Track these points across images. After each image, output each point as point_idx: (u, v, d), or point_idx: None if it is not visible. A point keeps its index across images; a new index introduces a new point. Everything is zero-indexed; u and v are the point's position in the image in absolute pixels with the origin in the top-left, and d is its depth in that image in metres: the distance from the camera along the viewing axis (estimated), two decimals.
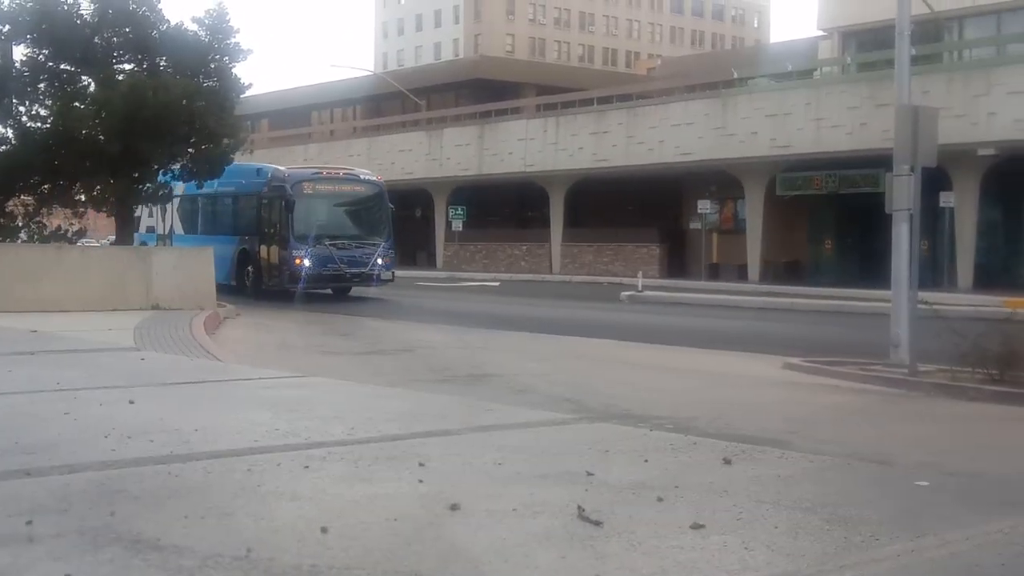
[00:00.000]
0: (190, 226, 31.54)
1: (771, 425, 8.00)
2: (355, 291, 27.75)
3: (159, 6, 24.45)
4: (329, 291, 27.37)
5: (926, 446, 7.51)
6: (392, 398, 7.61)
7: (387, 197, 27.69)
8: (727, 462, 4.87)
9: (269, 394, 7.41)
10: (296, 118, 71.68)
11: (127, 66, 24.63)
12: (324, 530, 3.61)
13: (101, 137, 22.81)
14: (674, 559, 3.42)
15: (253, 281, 26.91)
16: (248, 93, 27.22)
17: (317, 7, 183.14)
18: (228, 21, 24.68)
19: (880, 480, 4.77)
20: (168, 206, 30.98)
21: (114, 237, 27.06)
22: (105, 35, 24.06)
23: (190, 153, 24.63)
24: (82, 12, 23.75)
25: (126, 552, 3.38)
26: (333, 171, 28.42)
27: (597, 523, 3.76)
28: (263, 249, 26.55)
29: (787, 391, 10.86)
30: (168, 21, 24.62)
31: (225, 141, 24.78)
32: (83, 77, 24.33)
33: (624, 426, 6.48)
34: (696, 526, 3.72)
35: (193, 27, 24.42)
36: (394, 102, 65.46)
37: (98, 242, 37.41)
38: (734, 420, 8.14)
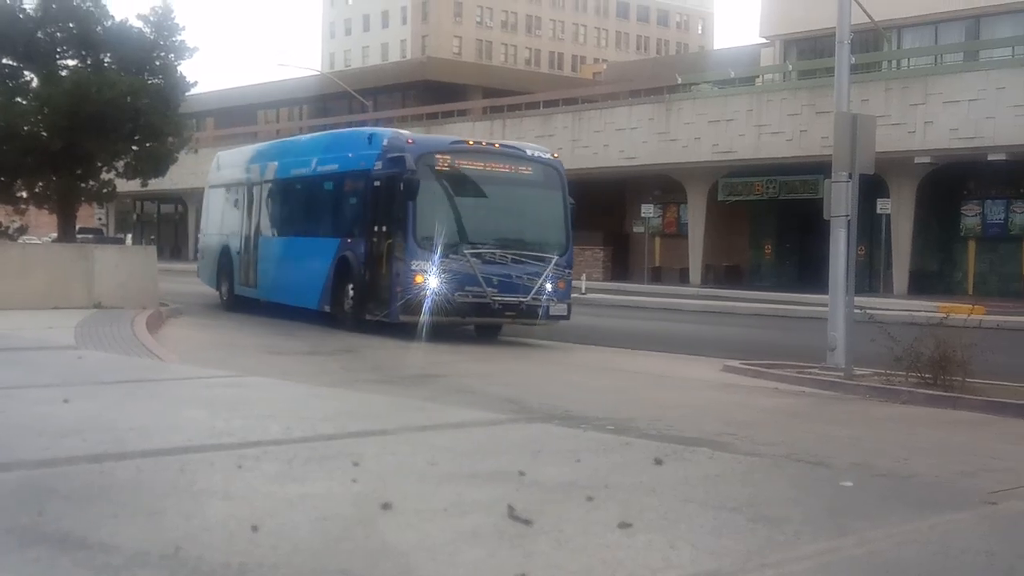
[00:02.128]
0: (270, 223, 22.24)
1: (709, 427, 8.12)
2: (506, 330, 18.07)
3: (103, 2, 24.21)
4: (471, 327, 17.97)
5: (858, 447, 7.65)
6: (330, 398, 7.62)
7: (567, 187, 18.06)
8: (658, 462, 4.93)
9: (207, 393, 7.39)
10: (242, 117, 71.29)
11: (71, 62, 24.37)
12: (255, 529, 3.63)
13: (44, 133, 22.56)
14: (600, 557, 3.47)
15: (353, 307, 17.47)
16: (193, 91, 27.03)
17: (264, 6, 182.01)
18: (173, 18, 24.51)
19: (806, 480, 4.87)
20: (238, 193, 23.65)
21: (55, 234, 26.67)
22: (48, 30, 23.78)
23: (134, 151, 24.42)
24: (25, 6, 23.48)
25: (53, 551, 3.37)
26: (484, 143, 18.58)
27: (526, 522, 3.81)
28: (369, 258, 17.22)
29: (726, 393, 10.99)
30: (113, 17, 24.40)
31: (169, 139, 24.61)
32: (26, 72, 24.04)
33: (559, 426, 6.55)
34: (624, 525, 3.78)
35: (138, 24, 24.22)
36: (341, 102, 65.31)
37: (40, 239, 36.87)
38: (673, 421, 8.25)
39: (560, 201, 17.58)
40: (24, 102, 22.55)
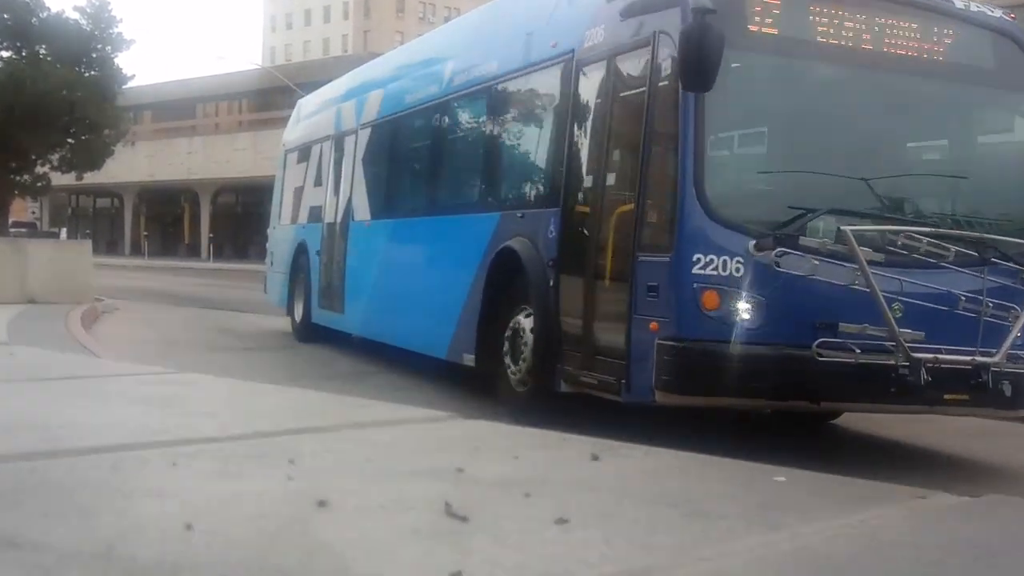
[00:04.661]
0: (366, 199, 14.29)
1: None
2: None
3: None
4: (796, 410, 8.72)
5: (789, 444, 7.77)
6: (268, 395, 7.58)
7: None
8: (595, 458, 4.97)
9: (142, 390, 7.31)
10: (180, 110, 70.61)
11: (5, 53, 24.09)
12: (188, 527, 3.60)
13: None
14: (537, 553, 3.49)
15: (530, 364, 9.29)
16: (131, 84, 26.79)
17: None
18: (110, 10, 24.31)
19: (740, 475, 4.93)
20: (320, 155, 16.04)
21: None
22: None
23: (69, 144, 24.14)
24: None
25: None
26: None
27: (463, 519, 3.82)
28: (568, 252, 8.98)
29: None
30: (49, 9, 24.19)
31: (106, 132, 24.39)
32: None
33: (498, 423, 6.58)
34: (560, 521, 3.80)
35: (75, 16, 24.04)
36: (282, 96, 64.87)
37: None
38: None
39: None
40: None
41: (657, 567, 3.44)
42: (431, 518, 3.85)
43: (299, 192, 17.13)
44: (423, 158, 12.93)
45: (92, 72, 23.96)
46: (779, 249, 7.22)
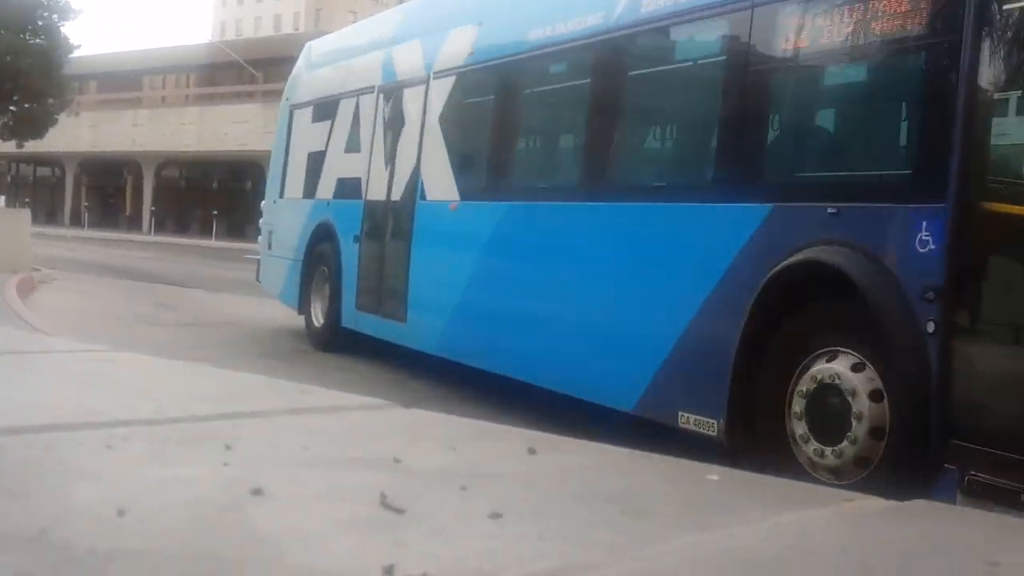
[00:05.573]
0: (454, 169, 11.11)
1: None
2: None
3: None
4: None
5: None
6: (207, 376, 7.52)
7: None
8: (532, 452, 5.00)
9: (78, 368, 7.23)
10: (127, 82, 69.71)
11: None
12: (121, 513, 3.57)
13: None
14: (472, 548, 3.51)
15: (889, 455, 6.09)
16: (77, 53, 26.42)
17: None
18: None
19: (676, 473, 4.98)
20: (358, 112, 13.11)
21: None
22: None
23: (12, 112, 23.76)
24: None
25: None
26: None
27: (399, 510, 3.83)
28: (984, 287, 5.83)
29: None
30: None
31: (50, 101, 24.02)
32: None
33: (438, 412, 6.58)
34: (495, 515, 3.83)
35: None
36: (230, 72, 64.29)
37: None
38: None
39: None
40: None
41: (590, 565, 3.47)
42: (367, 509, 3.85)
43: (318, 159, 14.01)
44: (589, 120, 9.35)
45: (38, 40, 23.61)
46: None
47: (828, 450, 6.43)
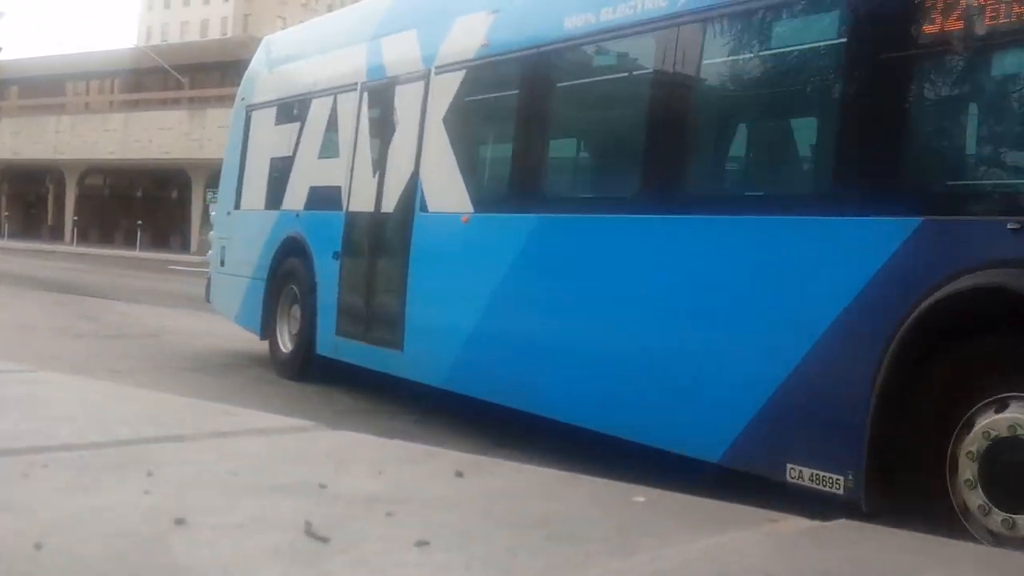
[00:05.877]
0: (464, 180, 9.57)
1: None
2: None
3: None
4: None
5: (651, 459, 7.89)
6: (131, 399, 7.39)
7: None
8: (459, 475, 4.98)
9: None
10: (49, 87, 68.52)
11: None
12: (39, 547, 3.50)
13: None
14: None
15: None
16: None
17: None
18: None
19: (602, 496, 5.00)
20: (336, 110, 11.83)
21: None
22: None
23: None
24: None
25: None
26: None
27: (324, 539, 3.79)
28: None
29: None
30: None
31: None
32: None
33: (364, 434, 6.53)
34: (421, 543, 3.81)
35: None
36: (156, 77, 63.48)
37: None
38: None
39: None
40: None
41: None
42: (291, 538, 3.81)
43: (283, 165, 12.52)
44: (660, 117, 7.76)
45: None
46: None
47: (1021, 519, 5.27)
